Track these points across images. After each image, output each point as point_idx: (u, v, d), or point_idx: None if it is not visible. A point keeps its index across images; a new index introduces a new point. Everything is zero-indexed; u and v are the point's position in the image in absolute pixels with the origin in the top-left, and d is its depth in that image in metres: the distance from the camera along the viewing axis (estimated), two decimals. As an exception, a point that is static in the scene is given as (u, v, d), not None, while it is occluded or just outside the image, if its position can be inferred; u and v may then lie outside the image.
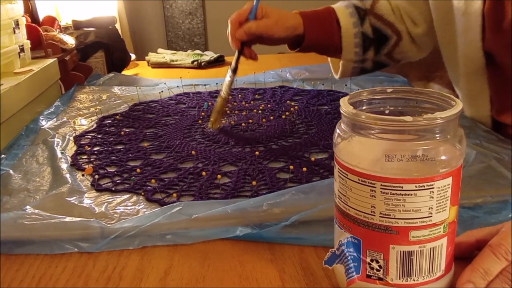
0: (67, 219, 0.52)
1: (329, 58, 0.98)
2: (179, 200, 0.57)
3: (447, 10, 0.77)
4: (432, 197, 0.34)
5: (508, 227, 0.39)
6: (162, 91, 1.04)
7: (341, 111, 0.36)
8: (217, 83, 1.09)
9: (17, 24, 0.94)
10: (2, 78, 0.85)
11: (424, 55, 0.92)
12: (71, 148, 0.75)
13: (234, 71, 0.82)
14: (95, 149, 0.74)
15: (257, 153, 0.69)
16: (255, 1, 0.82)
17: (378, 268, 0.36)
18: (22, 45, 0.96)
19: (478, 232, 0.41)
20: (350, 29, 0.85)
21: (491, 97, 0.75)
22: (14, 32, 0.93)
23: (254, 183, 0.59)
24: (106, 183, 0.62)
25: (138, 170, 0.65)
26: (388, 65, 0.92)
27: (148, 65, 1.44)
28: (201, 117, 0.87)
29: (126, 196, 0.59)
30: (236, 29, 0.81)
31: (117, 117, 0.89)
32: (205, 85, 1.09)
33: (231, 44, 0.83)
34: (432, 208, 0.34)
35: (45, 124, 0.86)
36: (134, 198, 0.58)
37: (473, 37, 0.72)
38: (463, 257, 0.40)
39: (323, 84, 1.05)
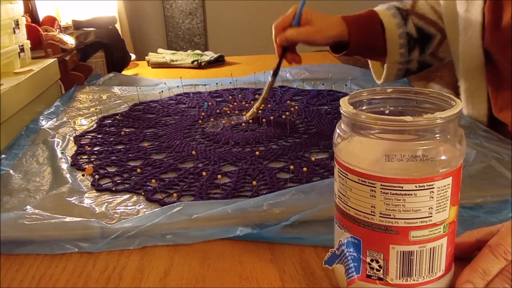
0: (67, 219, 0.52)
1: (370, 64, 0.98)
2: (180, 200, 0.57)
3: (453, 7, 0.77)
4: (432, 197, 0.34)
5: (507, 227, 0.39)
6: (162, 91, 1.04)
7: (341, 111, 0.36)
8: (217, 83, 1.09)
9: (17, 24, 0.94)
10: (2, 78, 0.85)
11: None
12: (71, 148, 0.75)
13: (275, 74, 0.86)
14: (95, 149, 0.74)
15: (257, 153, 0.69)
16: (299, 8, 0.84)
17: (378, 268, 0.36)
18: (22, 45, 0.96)
19: (478, 232, 0.41)
20: (394, 30, 0.85)
21: (488, 96, 0.75)
22: (14, 32, 0.93)
23: (254, 183, 0.59)
24: (106, 183, 0.62)
25: (139, 170, 0.65)
26: (433, 65, 0.92)
27: (148, 65, 1.44)
28: (201, 117, 0.87)
29: (126, 196, 0.59)
30: (279, 34, 0.84)
31: (117, 117, 0.89)
32: (205, 85, 1.09)
33: (275, 48, 0.86)
34: (432, 208, 0.34)
35: (45, 124, 0.86)
36: (135, 198, 0.58)
37: (472, 35, 0.72)
38: (464, 257, 0.40)
39: (323, 84, 1.05)
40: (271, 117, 0.85)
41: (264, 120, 0.83)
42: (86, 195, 0.59)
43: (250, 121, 0.84)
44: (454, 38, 0.79)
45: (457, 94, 0.86)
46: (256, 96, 0.89)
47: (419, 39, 0.86)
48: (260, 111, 0.86)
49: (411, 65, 0.89)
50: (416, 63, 0.89)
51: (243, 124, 0.82)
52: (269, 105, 0.92)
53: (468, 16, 0.72)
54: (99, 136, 0.80)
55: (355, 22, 0.87)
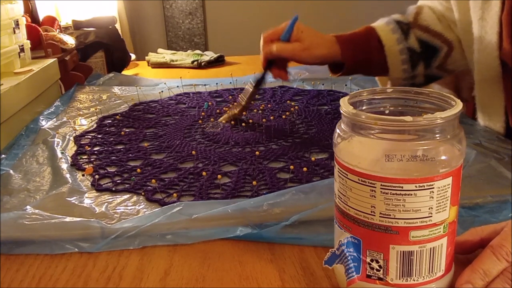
0: (68, 219, 0.52)
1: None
2: (179, 200, 0.57)
3: (467, 13, 0.73)
4: (432, 197, 0.34)
5: (509, 227, 0.39)
6: (162, 91, 1.04)
7: (341, 111, 0.36)
8: (217, 83, 1.09)
9: (17, 24, 0.94)
10: (2, 78, 0.85)
11: None
12: (71, 148, 0.75)
13: (257, 85, 0.83)
14: (95, 149, 0.74)
15: (257, 153, 0.69)
16: (289, 23, 0.81)
17: (378, 268, 0.36)
18: (22, 45, 0.96)
19: (482, 230, 0.41)
20: (394, 46, 0.81)
21: (506, 107, 0.71)
22: (14, 32, 0.93)
23: (254, 183, 0.59)
24: (106, 183, 0.62)
25: (139, 170, 0.65)
26: (442, 77, 0.87)
27: (148, 65, 1.44)
28: (201, 117, 0.87)
29: (126, 196, 0.59)
30: (266, 46, 0.81)
31: (117, 117, 0.89)
32: (205, 85, 1.09)
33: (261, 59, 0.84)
34: (432, 208, 0.34)
35: (45, 124, 0.86)
36: (134, 198, 0.58)
37: (488, 44, 0.68)
38: (466, 255, 0.40)
39: (323, 84, 1.05)
40: (271, 117, 0.85)
41: (264, 120, 0.83)
42: (86, 195, 0.59)
43: (220, 122, 0.83)
44: (469, 45, 0.75)
45: (457, 94, 0.85)
46: (234, 103, 0.86)
47: (423, 53, 0.81)
48: (232, 122, 0.83)
49: (417, 80, 0.85)
50: (422, 77, 0.84)
51: (243, 124, 0.82)
52: (269, 105, 0.92)
53: (483, 24, 0.68)
54: (99, 136, 0.80)
55: (349, 42, 0.82)
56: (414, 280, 0.36)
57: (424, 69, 0.83)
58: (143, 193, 0.59)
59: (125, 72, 1.32)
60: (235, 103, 0.86)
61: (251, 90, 0.83)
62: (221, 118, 0.84)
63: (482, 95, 0.74)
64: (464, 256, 0.41)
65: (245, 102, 0.83)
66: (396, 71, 0.83)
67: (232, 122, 0.83)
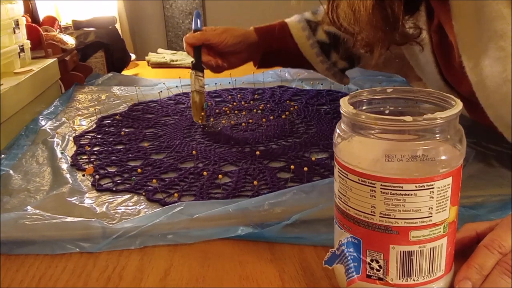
0: (68, 219, 0.52)
1: None
2: (180, 200, 0.57)
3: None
4: (432, 197, 0.34)
5: (501, 224, 0.40)
6: (161, 91, 1.04)
7: (341, 111, 0.36)
8: (216, 83, 1.09)
9: (17, 24, 0.94)
10: (2, 78, 0.85)
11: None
12: (71, 148, 0.75)
13: (196, 67, 0.87)
14: (95, 149, 0.74)
15: (257, 153, 0.69)
16: (194, 13, 0.88)
17: (378, 268, 0.36)
18: (22, 45, 0.96)
19: (477, 225, 0.42)
20: (305, 42, 0.89)
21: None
22: (14, 32, 0.93)
23: (255, 182, 0.59)
24: (107, 183, 0.62)
25: (139, 170, 0.65)
26: (362, 57, 0.93)
27: (148, 65, 1.44)
28: (200, 117, 0.87)
29: (127, 196, 0.59)
30: (188, 39, 0.87)
31: (117, 117, 0.89)
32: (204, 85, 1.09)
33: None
34: (432, 208, 0.34)
35: (45, 124, 0.86)
36: (135, 198, 0.58)
37: (431, 70, 0.72)
38: (464, 252, 0.41)
39: (322, 84, 1.05)
40: (271, 117, 0.85)
41: (264, 120, 0.83)
42: (87, 195, 0.59)
43: (199, 122, 0.83)
44: (417, 67, 0.79)
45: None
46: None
47: (332, 43, 0.89)
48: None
49: (339, 65, 0.92)
50: (344, 61, 0.91)
51: (243, 124, 0.82)
52: (268, 105, 0.92)
53: (423, 53, 0.73)
54: (99, 136, 0.80)
55: (266, 32, 0.90)
56: (414, 280, 0.36)
57: (338, 55, 0.90)
58: (143, 193, 0.59)
59: (125, 72, 1.32)
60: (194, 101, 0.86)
61: (194, 76, 0.87)
62: (196, 118, 0.84)
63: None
64: (463, 256, 0.41)
65: (201, 88, 0.86)
66: (315, 63, 0.91)
67: (203, 113, 0.83)
